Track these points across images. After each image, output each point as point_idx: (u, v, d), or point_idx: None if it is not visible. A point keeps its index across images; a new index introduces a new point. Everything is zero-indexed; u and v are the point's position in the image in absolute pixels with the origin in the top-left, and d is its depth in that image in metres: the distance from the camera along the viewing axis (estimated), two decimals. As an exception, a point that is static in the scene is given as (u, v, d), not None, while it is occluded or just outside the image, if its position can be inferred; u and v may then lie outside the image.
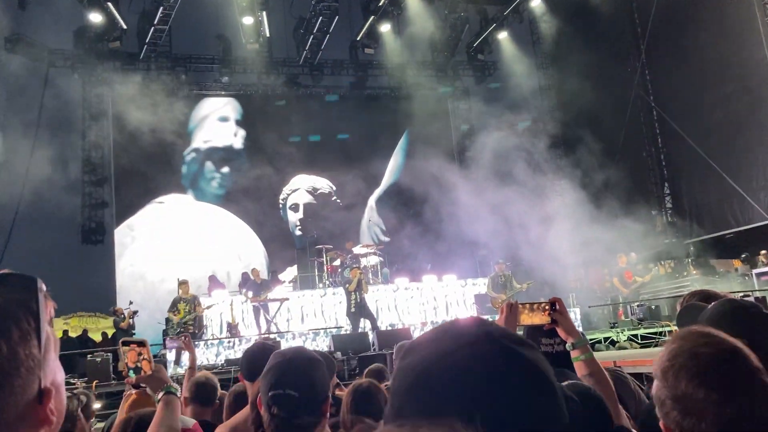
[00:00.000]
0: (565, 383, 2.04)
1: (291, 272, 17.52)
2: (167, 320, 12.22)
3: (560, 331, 2.30)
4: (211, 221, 18.94)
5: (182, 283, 12.39)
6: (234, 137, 19.94)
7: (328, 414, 1.90)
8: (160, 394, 2.18)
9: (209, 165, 19.48)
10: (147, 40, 17.80)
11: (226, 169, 19.61)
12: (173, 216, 18.59)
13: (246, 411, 2.68)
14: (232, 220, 19.23)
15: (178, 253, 17.70)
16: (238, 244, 18.93)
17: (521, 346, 0.78)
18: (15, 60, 16.19)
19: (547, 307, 2.30)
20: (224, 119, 20.04)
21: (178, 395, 2.22)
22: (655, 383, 1.35)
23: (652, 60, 19.43)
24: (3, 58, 15.81)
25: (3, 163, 13.76)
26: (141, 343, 2.28)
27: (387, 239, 20.32)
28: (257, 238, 19.27)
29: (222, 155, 19.65)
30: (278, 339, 12.13)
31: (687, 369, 1.28)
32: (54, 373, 0.93)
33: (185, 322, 11.86)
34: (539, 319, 2.31)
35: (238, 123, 20.11)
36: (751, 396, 1.24)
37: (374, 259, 16.91)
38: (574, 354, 2.27)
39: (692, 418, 1.26)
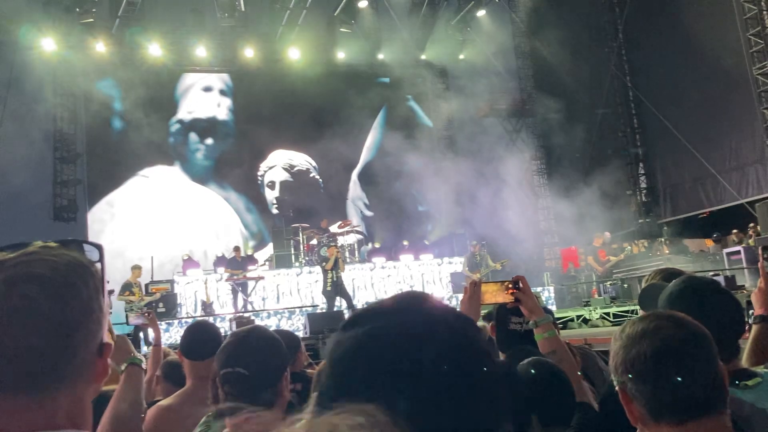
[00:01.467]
0: (527, 360, 2.04)
1: (267, 251, 17.44)
2: (127, 303, 12.01)
3: (523, 309, 2.31)
4: (193, 197, 18.70)
5: (135, 268, 12.39)
6: (217, 108, 19.67)
7: (287, 393, 1.87)
8: (123, 366, 2.07)
9: (193, 136, 19.23)
10: (119, 14, 17.42)
11: (210, 141, 19.37)
12: (155, 192, 18.28)
13: (186, 387, 2.67)
14: (213, 195, 19.04)
15: (157, 231, 17.48)
16: (217, 222, 18.75)
17: (463, 334, 0.75)
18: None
19: (510, 286, 2.29)
20: (208, 89, 19.76)
21: (143, 367, 2.15)
22: (612, 351, 1.37)
23: (630, 40, 19.50)
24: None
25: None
26: None
27: (371, 214, 20.32)
28: (237, 215, 19.10)
29: (205, 126, 19.39)
30: (253, 318, 12.11)
31: (651, 345, 1.29)
32: (108, 334, 1.03)
33: (149, 303, 11.83)
34: (503, 297, 2.32)
35: (223, 93, 19.84)
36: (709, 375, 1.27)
37: (352, 238, 16.91)
38: (537, 332, 2.29)
39: (648, 383, 1.28)
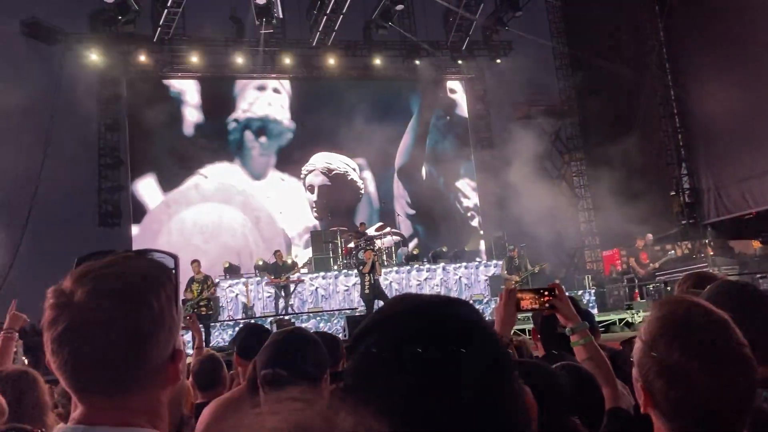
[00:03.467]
0: (558, 364, 2.05)
1: (306, 254, 17.59)
2: (184, 301, 12.22)
3: (559, 317, 2.31)
4: (243, 198, 19.02)
5: (193, 262, 12.33)
6: (269, 107, 19.99)
7: (326, 394, 1.90)
8: None
9: (248, 134, 19.60)
10: (161, 22, 17.81)
11: (264, 139, 19.72)
12: (209, 192, 18.71)
13: (241, 386, 2.71)
14: (262, 196, 19.32)
15: (206, 232, 18.03)
16: (264, 224, 19.03)
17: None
18: (31, 44, 16.28)
19: (546, 293, 2.30)
20: (261, 88, 20.11)
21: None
22: (640, 347, 1.33)
23: (671, 39, 19.12)
24: (19, 42, 15.89)
25: (21, 147, 13.88)
26: None
27: (413, 212, 20.39)
28: (283, 218, 19.34)
29: (259, 125, 19.75)
30: (293, 320, 12.24)
31: (681, 339, 1.26)
32: (181, 340, 1.12)
33: (198, 303, 11.92)
34: (539, 304, 2.32)
35: (276, 91, 20.15)
36: (738, 369, 1.24)
37: (389, 241, 16.95)
38: (573, 339, 2.28)
39: (680, 389, 1.24)
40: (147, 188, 18.35)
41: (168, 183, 18.44)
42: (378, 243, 15.64)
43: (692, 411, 1.23)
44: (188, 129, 18.93)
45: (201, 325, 5.81)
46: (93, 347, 0.98)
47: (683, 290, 2.38)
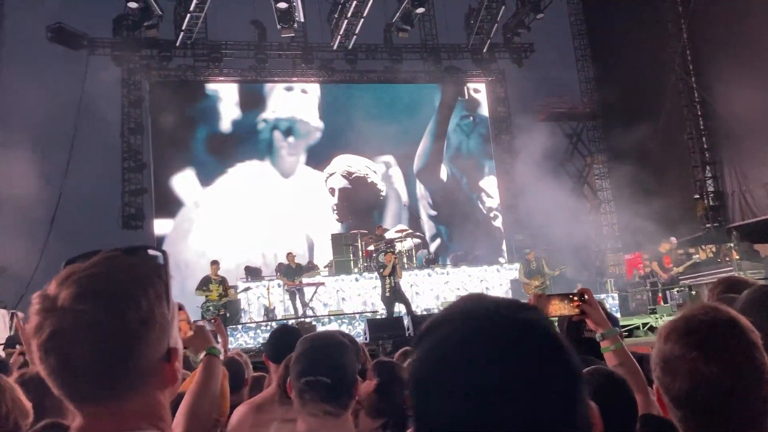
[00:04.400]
0: (589, 368, 2.03)
1: (326, 257, 17.63)
2: (205, 302, 12.23)
3: (589, 322, 2.29)
4: (270, 198, 19.20)
5: (213, 263, 12.30)
6: (296, 108, 20.15)
7: (356, 396, 1.92)
8: (201, 355, 1.92)
9: (277, 134, 19.82)
10: (183, 27, 17.98)
11: (291, 139, 19.89)
12: (238, 191, 18.94)
13: (271, 389, 2.72)
14: (290, 194, 19.45)
15: (232, 233, 18.30)
16: (286, 225, 19.18)
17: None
18: (56, 48, 16.51)
19: (575, 299, 2.28)
20: (289, 89, 20.32)
21: (220, 357, 2.01)
22: (654, 346, 1.37)
23: (695, 41, 18.91)
24: (44, 47, 16.14)
25: (45, 150, 14.09)
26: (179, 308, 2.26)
27: (434, 213, 20.41)
28: (305, 219, 19.43)
29: (287, 125, 19.95)
30: (314, 323, 12.26)
31: (676, 330, 1.30)
32: (176, 338, 1.06)
33: (222, 305, 11.98)
34: (568, 310, 2.31)
35: (304, 92, 20.34)
36: (734, 363, 1.24)
37: (409, 243, 16.93)
38: (603, 344, 2.26)
39: (669, 377, 1.28)
40: (184, 182, 18.74)
41: (205, 178, 18.84)
42: (398, 246, 15.63)
43: (696, 402, 1.25)
44: (220, 127, 19.32)
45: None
46: (81, 352, 0.95)
47: (714, 294, 2.35)
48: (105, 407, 0.98)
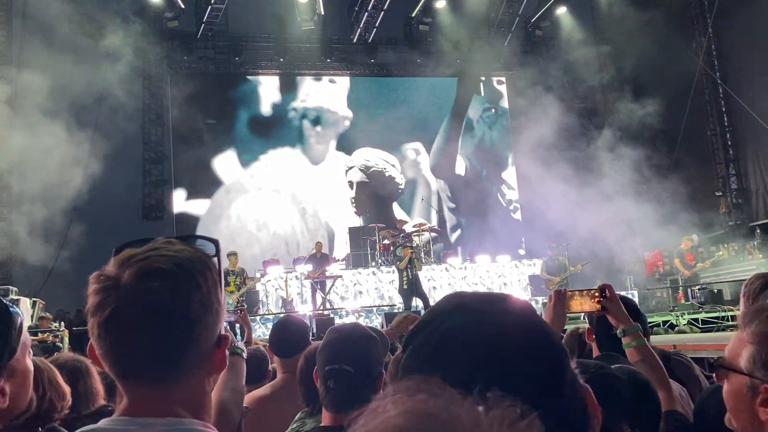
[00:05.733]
0: (614, 366, 2.00)
1: (344, 250, 17.67)
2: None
3: (610, 318, 2.27)
4: (296, 187, 19.32)
5: (231, 255, 12.06)
6: (322, 97, 20.24)
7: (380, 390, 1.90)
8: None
9: (306, 123, 19.94)
10: (204, 19, 18.05)
11: (319, 128, 19.99)
12: (265, 179, 19.10)
13: (277, 381, 2.72)
14: (319, 182, 19.54)
15: (259, 221, 18.55)
16: (307, 217, 19.23)
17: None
18: (77, 39, 16.61)
19: (596, 294, 2.25)
20: (317, 78, 20.41)
21: (244, 356, 2.17)
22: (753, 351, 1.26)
23: (719, 35, 18.65)
24: (66, 38, 16.23)
25: (67, 141, 14.17)
26: None
27: (453, 205, 20.40)
28: (327, 210, 19.50)
29: (315, 114, 20.05)
30: (332, 315, 12.29)
31: None
32: (224, 326, 1.08)
33: (240, 295, 12.02)
34: (589, 306, 2.28)
35: (332, 82, 20.42)
36: None
37: (427, 237, 16.89)
38: (625, 341, 2.24)
39: None
40: (225, 162, 18.96)
41: (244, 161, 19.10)
42: (416, 240, 15.61)
43: None
44: (245, 122, 19.43)
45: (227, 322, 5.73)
46: (142, 331, 0.95)
47: (750, 291, 2.31)
48: (155, 389, 0.98)
